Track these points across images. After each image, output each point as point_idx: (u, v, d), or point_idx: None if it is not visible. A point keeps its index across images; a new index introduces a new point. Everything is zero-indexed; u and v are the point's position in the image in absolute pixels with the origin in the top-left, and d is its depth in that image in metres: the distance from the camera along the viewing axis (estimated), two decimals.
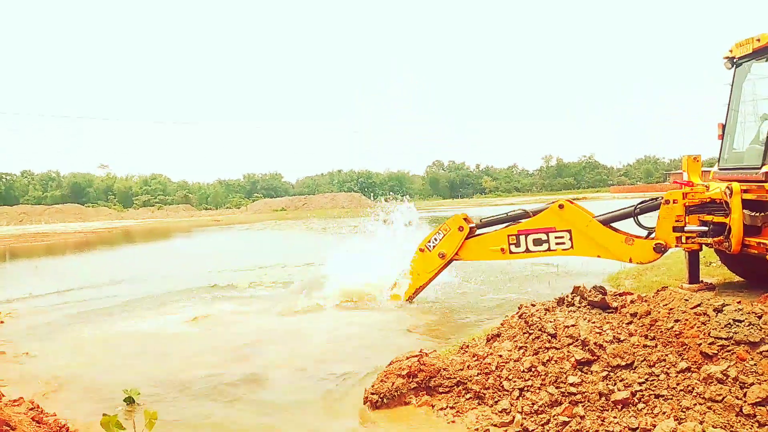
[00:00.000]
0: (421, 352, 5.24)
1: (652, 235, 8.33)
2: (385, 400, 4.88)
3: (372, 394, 4.94)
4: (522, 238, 8.68)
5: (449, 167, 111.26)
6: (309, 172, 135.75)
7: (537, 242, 8.62)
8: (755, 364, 3.91)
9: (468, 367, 4.97)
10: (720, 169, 8.66)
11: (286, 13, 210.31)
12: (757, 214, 7.33)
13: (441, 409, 4.69)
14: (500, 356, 4.86)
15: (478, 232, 9.22)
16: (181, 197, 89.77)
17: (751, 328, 4.12)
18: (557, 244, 8.57)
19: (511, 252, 8.75)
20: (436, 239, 9.13)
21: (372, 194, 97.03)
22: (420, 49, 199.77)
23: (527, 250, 8.70)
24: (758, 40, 7.75)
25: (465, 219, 9.12)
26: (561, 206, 8.58)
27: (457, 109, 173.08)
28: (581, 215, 8.55)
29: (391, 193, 14.39)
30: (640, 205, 8.59)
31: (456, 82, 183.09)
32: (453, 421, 4.49)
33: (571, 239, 8.52)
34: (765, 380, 3.80)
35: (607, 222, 8.57)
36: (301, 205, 70.16)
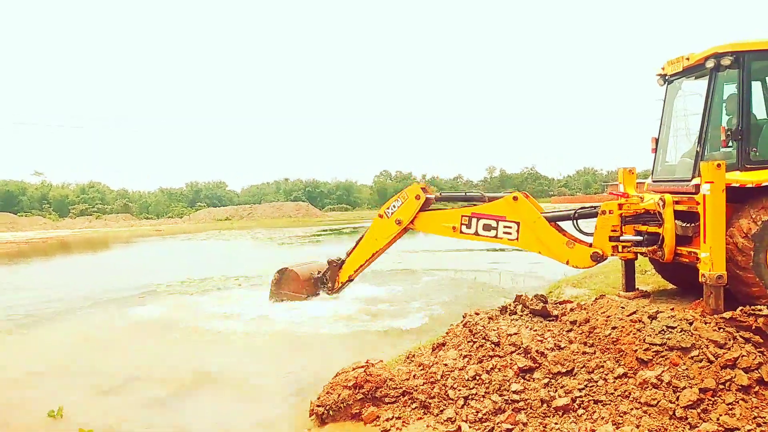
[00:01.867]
0: (367, 362, 5.22)
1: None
2: (331, 412, 4.84)
3: (318, 406, 4.89)
4: (474, 220, 9.00)
5: (396, 177, 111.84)
6: (254, 180, 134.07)
7: (486, 227, 8.93)
8: (687, 369, 4.08)
9: (414, 376, 4.99)
10: (653, 181, 9.03)
11: (226, 13, 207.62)
12: (688, 225, 7.66)
13: (387, 419, 4.69)
14: (445, 365, 4.90)
15: (435, 205, 9.57)
16: (121, 206, 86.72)
17: (683, 334, 4.30)
18: (504, 233, 8.86)
19: (461, 232, 9.08)
20: (394, 206, 9.55)
21: (320, 203, 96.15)
22: (365, 59, 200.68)
23: (476, 233, 9.01)
24: (687, 58, 8.15)
25: (423, 188, 9.49)
26: (515, 198, 8.87)
27: (404, 119, 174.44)
28: (531, 210, 8.82)
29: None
30: (579, 211, 8.92)
31: (404, 91, 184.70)
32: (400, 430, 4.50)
33: (517, 231, 8.81)
34: (696, 384, 3.97)
35: (551, 220, 8.84)
36: (247, 214, 68.76)
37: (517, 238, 8.84)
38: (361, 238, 9.95)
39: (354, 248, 9.99)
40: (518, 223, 8.82)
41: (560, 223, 8.99)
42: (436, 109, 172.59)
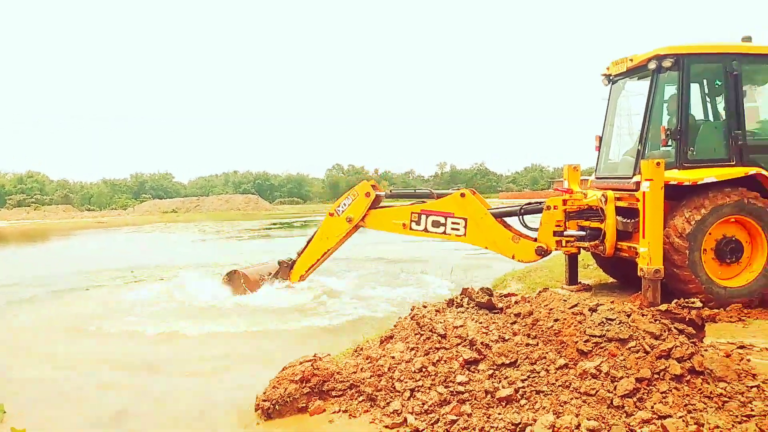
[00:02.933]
0: (314, 356, 5.19)
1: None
2: (277, 407, 4.79)
3: (264, 401, 4.83)
4: (423, 217, 9.16)
5: (349, 171, 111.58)
6: (202, 172, 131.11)
7: (435, 224, 9.10)
8: (624, 359, 4.22)
9: (361, 369, 4.99)
10: (597, 178, 9.31)
11: (173, 7, 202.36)
12: (629, 221, 7.93)
13: (334, 413, 4.68)
14: (392, 357, 4.92)
15: (386, 202, 9.69)
16: (61, 197, 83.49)
17: (622, 326, 4.44)
18: (452, 229, 9.05)
19: (411, 228, 9.24)
20: (345, 204, 9.54)
21: (270, 196, 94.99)
22: (317, 52, 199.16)
23: (426, 230, 9.17)
24: (631, 60, 8.42)
25: (373, 186, 9.54)
26: (463, 195, 9.08)
27: (357, 113, 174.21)
28: (478, 206, 9.03)
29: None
30: (525, 206, 9.13)
31: (357, 86, 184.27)
32: (347, 425, 4.49)
33: (465, 227, 9.00)
34: (632, 374, 4.11)
35: (498, 216, 9.02)
36: (194, 207, 67.19)
37: (464, 234, 9.03)
38: (312, 237, 9.86)
39: (305, 248, 9.89)
40: (466, 219, 8.99)
41: (507, 219, 9.18)
42: (389, 104, 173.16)
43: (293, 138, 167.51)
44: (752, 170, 7.54)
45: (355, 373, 4.96)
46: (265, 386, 4.96)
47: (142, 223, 47.38)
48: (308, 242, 9.89)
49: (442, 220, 9.06)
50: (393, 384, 4.65)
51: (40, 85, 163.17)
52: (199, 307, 9.70)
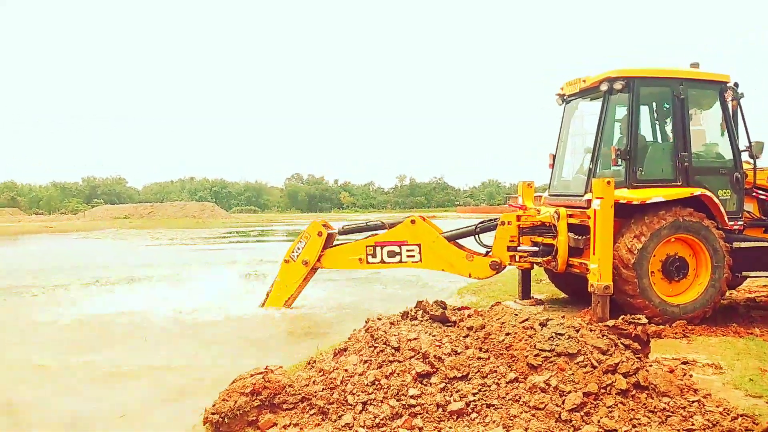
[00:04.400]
0: (266, 368, 5.11)
1: (491, 253, 8.96)
2: (226, 420, 4.69)
3: (213, 414, 4.73)
4: (378, 249, 9.13)
5: (308, 181, 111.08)
6: (157, 178, 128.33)
7: (391, 254, 9.11)
8: (572, 374, 4.30)
9: (314, 382, 4.94)
10: (550, 195, 9.53)
11: (134, 6, 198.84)
12: (580, 237, 8.14)
13: (284, 426, 4.61)
14: (346, 370, 4.89)
15: (340, 238, 9.59)
16: (8, 199, 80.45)
17: (570, 340, 4.53)
18: (408, 256, 9.08)
19: (368, 262, 9.19)
20: (298, 248, 9.33)
21: (227, 205, 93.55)
22: (279, 60, 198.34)
23: (382, 261, 9.16)
24: (584, 81, 8.68)
25: (324, 225, 9.39)
26: (413, 221, 9.10)
27: (317, 122, 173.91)
28: (429, 231, 9.06)
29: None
30: (480, 225, 9.27)
31: (317, 94, 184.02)
32: None
33: (420, 253, 9.05)
34: (580, 388, 4.19)
35: (452, 239, 9.12)
36: (147, 213, 65.62)
37: (420, 260, 9.09)
38: (271, 287, 9.59)
39: (268, 295, 9.58)
40: (419, 245, 9.05)
41: (464, 240, 9.31)
42: (350, 115, 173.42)
43: (252, 145, 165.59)
44: (697, 191, 7.85)
45: (307, 386, 4.91)
46: (215, 399, 4.86)
47: (93, 228, 46.03)
48: (269, 292, 9.56)
49: (396, 249, 9.08)
50: (345, 397, 4.62)
51: None
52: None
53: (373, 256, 9.13)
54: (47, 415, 5.32)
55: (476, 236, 9.21)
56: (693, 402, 4.23)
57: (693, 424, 3.99)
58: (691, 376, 4.87)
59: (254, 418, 4.70)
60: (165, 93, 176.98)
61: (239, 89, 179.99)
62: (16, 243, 31.24)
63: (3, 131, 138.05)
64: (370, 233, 9.54)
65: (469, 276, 8.97)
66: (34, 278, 14.80)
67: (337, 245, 9.59)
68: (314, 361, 5.52)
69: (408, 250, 9.04)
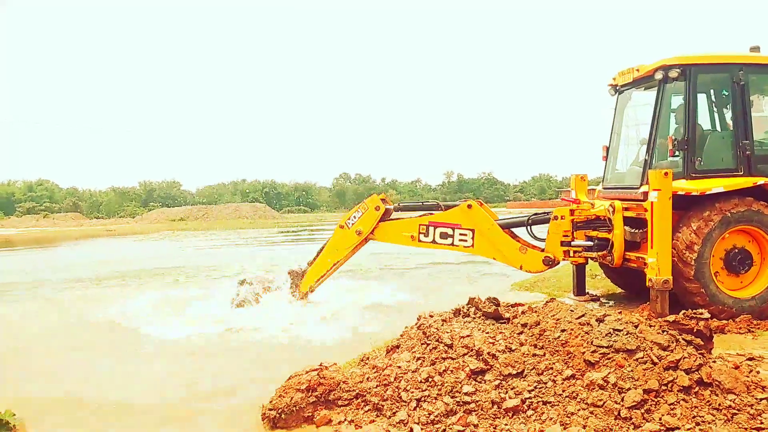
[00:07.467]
0: (321, 365, 5.19)
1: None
2: (283, 416, 4.79)
3: (270, 410, 4.83)
4: (431, 229, 9.18)
5: (356, 180, 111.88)
6: (210, 180, 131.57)
7: (443, 235, 9.12)
8: (632, 371, 4.20)
9: (367, 379, 4.99)
10: (604, 188, 9.29)
11: (180, 16, 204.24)
12: (637, 231, 7.91)
13: (340, 422, 4.67)
14: (399, 367, 4.91)
15: (395, 215, 9.68)
16: (70, 205, 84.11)
17: (629, 336, 4.42)
18: (460, 240, 9.06)
19: (419, 240, 9.26)
20: (354, 217, 9.55)
21: (277, 205, 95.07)
22: (325, 62, 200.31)
23: (434, 241, 9.19)
24: (637, 70, 8.43)
25: (382, 200, 9.55)
26: (469, 206, 9.07)
27: (363, 122, 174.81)
28: (485, 217, 9.00)
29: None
30: (533, 217, 9.13)
31: (364, 95, 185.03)
32: None
33: (473, 238, 9.01)
34: (640, 385, 4.09)
35: (506, 227, 9.01)
36: (202, 215, 67.45)
37: (472, 245, 9.03)
38: (322, 248, 9.83)
39: (315, 258, 9.85)
40: (473, 231, 8.99)
41: (515, 230, 9.17)
42: (396, 113, 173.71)
43: (300, 147, 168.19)
44: (760, 180, 7.52)
45: (361, 382, 4.96)
46: (271, 395, 4.96)
47: (150, 231, 47.59)
48: (318, 253, 9.86)
49: (449, 231, 9.08)
50: (399, 394, 4.64)
51: (49, 94, 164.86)
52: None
53: (426, 235, 9.19)
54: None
55: (528, 227, 9.06)
56: (761, 399, 4.06)
57: (762, 423, 3.83)
58: (758, 372, 4.66)
59: (310, 414, 4.78)
60: (216, 99, 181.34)
61: (287, 93, 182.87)
62: (91, 246, 32.55)
63: (66, 140, 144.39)
64: (425, 212, 9.57)
65: (521, 268, 8.83)
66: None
67: (392, 219, 9.70)
68: (367, 358, 5.57)
69: (461, 234, 9.03)
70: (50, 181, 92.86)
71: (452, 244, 9.10)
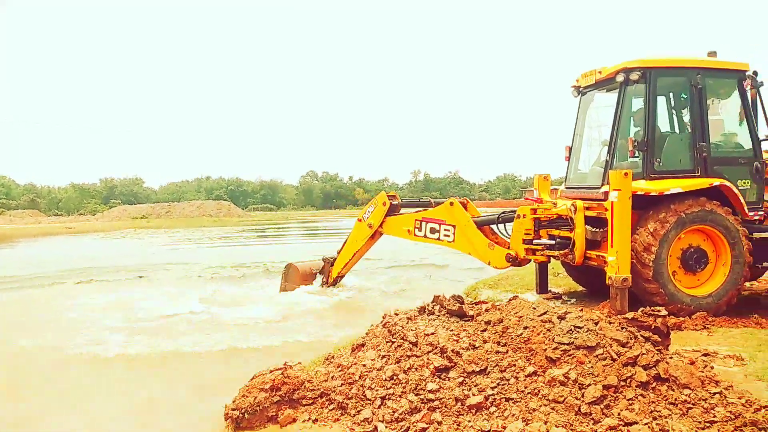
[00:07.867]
0: (285, 364, 5.14)
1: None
2: (246, 416, 4.73)
3: (233, 410, 4.77)
4: (423, 224, 9.88)
5: (323, 178, 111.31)
6: (174, 178, 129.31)
7: (432, 231, 9.77)
8: (592, 367, 4.28)
9: (332, 377, 4.97)
10: (566, 188, 9.45)
11: (142, 12, 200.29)
12: (597, 230, 8.06)
13: (304, 421, 4.64)
14: (364, 365, 4.91)
15: (403, 211, 10.50)
16: (28, 201, 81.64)
17: (589, 333, 4.51)
18: (444, 235, 9.64)
19: (414, 234, 10.00)
20: (369, 211, 10.44)
21: (243, 203, 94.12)
22: (293, 60, 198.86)
23: (425, 236, 9.87)
24: (600, 72, 8.58)
25: (390, 196, 10.36)
26: (451, 204, 9.64)
27: (331, 120, 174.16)
28: (463, 215, 9.50)
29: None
30: (502, 215, 9.38)
31: (331, 92, 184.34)
32: None
33: (454, 234, 9.53)
34: (600, 381, 4.17)
35: (483, 224, 9.28)
36: (165, 213, 66.09)
37: (453, 240, 9.57)
38: (346, 240, 10.76)
39: (342, 247, 10.79)
40: (454, 227, 9.51)
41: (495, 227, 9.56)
42: (364, 111, 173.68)
43: (267, 144, 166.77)
44: (716, 181, 7.74)
45: (326, 381, 4.93)
46: (235, 395, 4.90)
47: (111, 229, 46.53)
48: (344, 244, 10.78)
49: (437, 227, 9.67)
50: (364, 392, 4.64)
51: (6, 89, 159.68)
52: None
53: (419, 229, 9.85)
54: None
55: (497, 225, 9.42)
56: (714, 394, 4.19)
57: (715, 416, 3.95)
58: (712, 367, 4.81)
59: (274, 414, 4.74)
60: (179, 95, 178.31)
61: (252, 89, 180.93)
62: (49, 243, 31.66)
63: (22, 135, 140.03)
64: (421, 208, 10.25)
65: (489, 264, 9.19)
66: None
67: (397, 215, 10.40)
68: (332, 357, 5.55)
69: (445, 230, 9.57)
70: (6, 177, 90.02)
71: (439, 239, 9.69)
